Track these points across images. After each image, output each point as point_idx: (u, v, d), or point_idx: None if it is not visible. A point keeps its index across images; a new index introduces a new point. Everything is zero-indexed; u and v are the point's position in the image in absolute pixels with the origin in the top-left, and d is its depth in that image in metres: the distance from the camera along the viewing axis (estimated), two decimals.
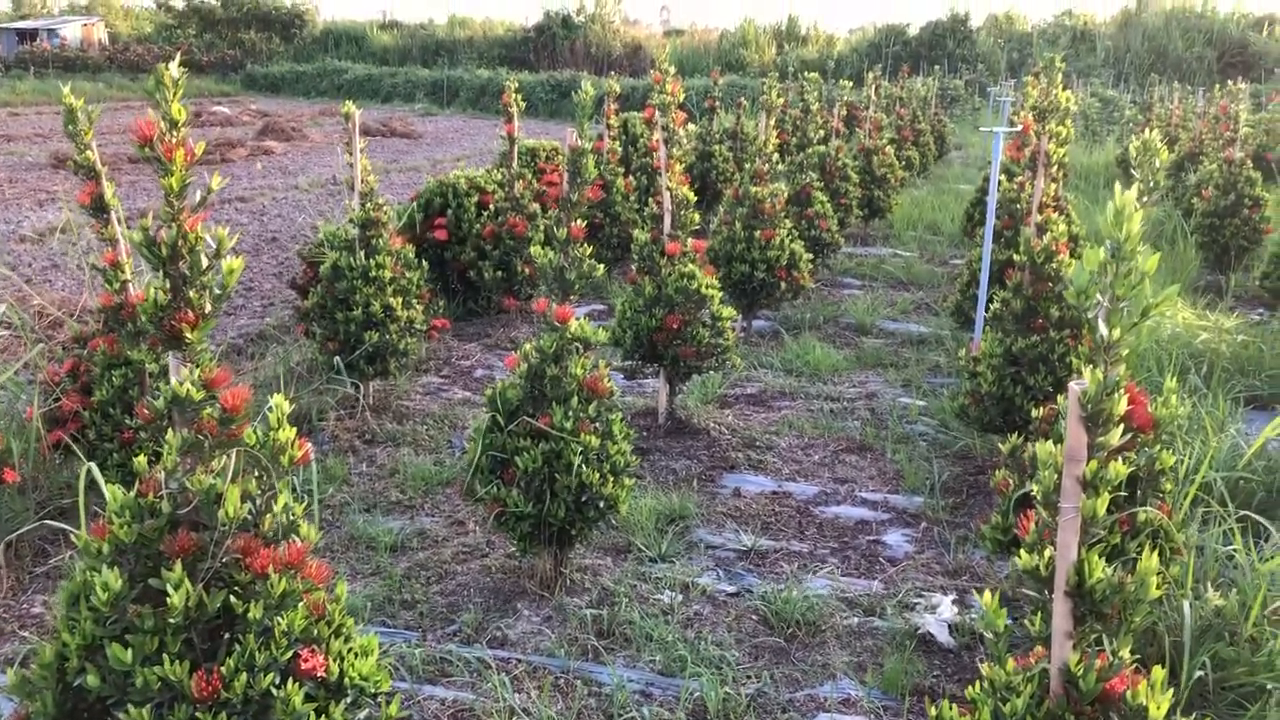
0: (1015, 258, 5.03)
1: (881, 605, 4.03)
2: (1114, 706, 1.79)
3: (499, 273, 7.51)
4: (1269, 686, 2.80)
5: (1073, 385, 1.83)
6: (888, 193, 11.83)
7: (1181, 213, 10.50)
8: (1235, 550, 3.41)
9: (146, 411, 2.20)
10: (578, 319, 3.94)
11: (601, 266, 4.13)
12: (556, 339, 3.87)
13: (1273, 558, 3.32)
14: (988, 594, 2.00)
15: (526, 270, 7.57)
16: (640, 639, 3.72)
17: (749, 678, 3.57)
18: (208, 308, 2.21)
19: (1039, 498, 1.89)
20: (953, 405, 5.07)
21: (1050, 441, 1.91)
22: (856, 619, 3.94)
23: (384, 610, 3.92)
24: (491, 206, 7.74)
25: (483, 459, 3.84)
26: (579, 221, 4.10)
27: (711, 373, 5.78)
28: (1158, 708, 1.79)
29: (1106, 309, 1.78)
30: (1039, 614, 1.95)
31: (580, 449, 3.74)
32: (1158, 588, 1.89)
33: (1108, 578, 1.82)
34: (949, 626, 3.86)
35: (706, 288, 5.35)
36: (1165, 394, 3.18)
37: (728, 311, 5.43)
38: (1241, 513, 3.66)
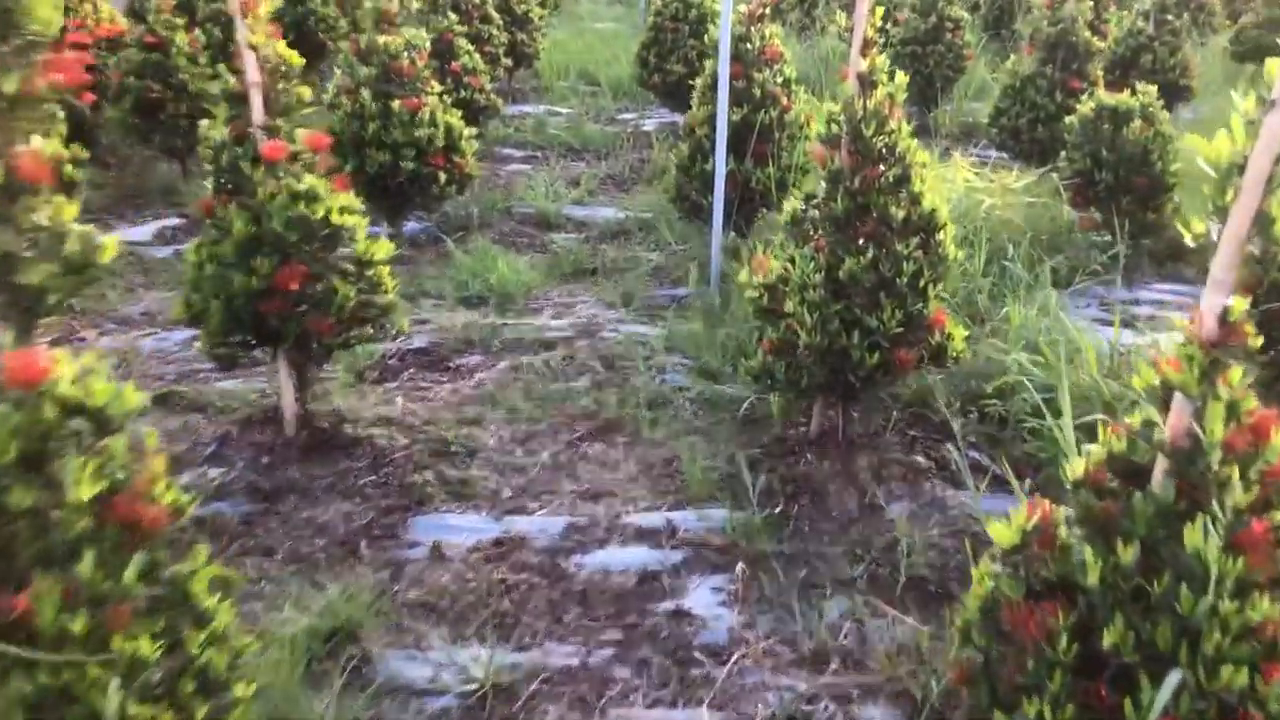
0: (826, 124, 3.29)
1: None
2: None
3: None
4: None
5: None
6: (532, 35, 9.76)
7: None
8: None
9: None
10: (79, 361, 1.76)
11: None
12: (26, 417, 1.67)
13: None
14: None
15: None
16: None
17: None
18: None
19: None
20: (756, 363, 3.34)
21: None
22: None
23: None
24: None
25: None
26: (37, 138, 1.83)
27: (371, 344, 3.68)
28: None
29: None
30: None
31: (117, 677, 1.62)
32: None
33: None
34: None
35: (342, 213, 3.19)
36: None
37: (382, 250, 3.30)
38: None
